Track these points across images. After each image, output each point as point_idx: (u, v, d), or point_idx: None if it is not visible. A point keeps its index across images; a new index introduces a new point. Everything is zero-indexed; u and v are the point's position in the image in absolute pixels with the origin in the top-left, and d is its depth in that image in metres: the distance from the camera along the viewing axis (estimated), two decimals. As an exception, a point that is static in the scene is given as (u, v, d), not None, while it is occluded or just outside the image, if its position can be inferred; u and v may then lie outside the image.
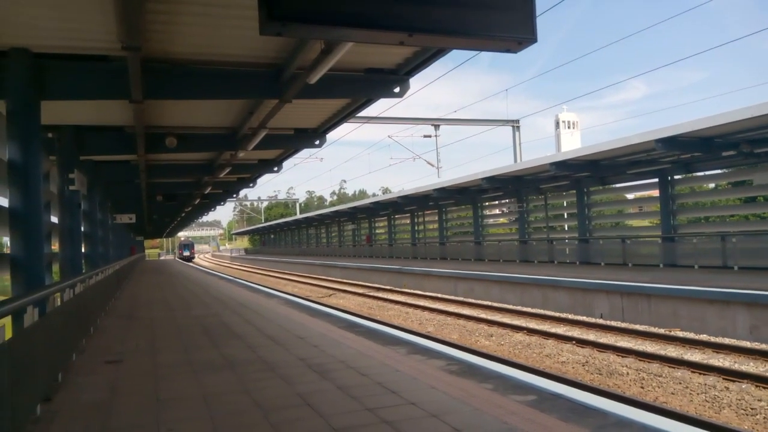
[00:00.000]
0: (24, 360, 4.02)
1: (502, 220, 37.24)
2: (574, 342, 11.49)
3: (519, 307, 16.42)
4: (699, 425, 4.73)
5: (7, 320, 4.43)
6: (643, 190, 22.72)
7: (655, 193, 19.94)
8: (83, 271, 11.23)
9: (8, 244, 7.35)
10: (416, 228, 36.41)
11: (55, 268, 11.38)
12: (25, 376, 3.97)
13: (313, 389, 4.96)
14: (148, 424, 4.19)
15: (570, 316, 14.29)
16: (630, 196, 25.96)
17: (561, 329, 12.99)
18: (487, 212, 30.20)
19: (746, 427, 6.56)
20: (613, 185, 21.48)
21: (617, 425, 4.05)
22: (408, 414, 4.21)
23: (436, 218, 33.24)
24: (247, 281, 26.56)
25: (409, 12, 3.12)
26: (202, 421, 4.21)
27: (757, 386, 7.92)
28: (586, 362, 10.04)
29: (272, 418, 4.21)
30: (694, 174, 18.38)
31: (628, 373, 9.15)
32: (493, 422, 3.99)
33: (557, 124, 50.54)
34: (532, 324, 13.77)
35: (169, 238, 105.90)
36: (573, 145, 39.55)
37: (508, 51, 3.48)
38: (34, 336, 4.48)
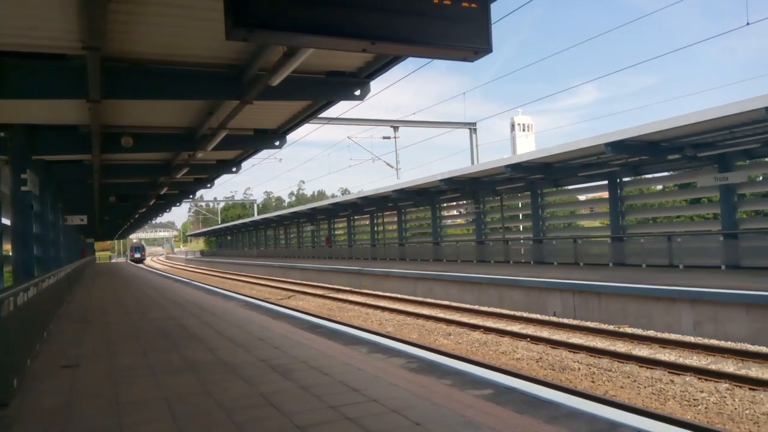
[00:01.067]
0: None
1: (459, 221, 37.79)
2: (528, 339, 11.84)
3: (477, 306, 16.76)
4: (644, 415, 5.02)
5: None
6: (594, 192, 23.51)
7: (605, 194, 20.68)
8: (35, 274, 10.91)
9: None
10: (376, 229, 36.58)
11: (8, 270, 11.04)
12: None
13: (275, 389, 5.02)
14: (111, 426, 4.18)
15: (525, 315, 14.69)
16: (582, 197, 26.80)
17: (516, 327, 13.35)
18: (445, 213, 30.62)
19: (689, 417, 6.94)
20: (566, 187, 22.16)
21: (568, 416, 4.28)
22: (370, 410, 4.33)
23: (396, 219, 33.49)
24: (203, 284, 26.17)
25: (372, 21, 3.25)
26: (166, 422, 4.23)
27: (699, 379, 8.37)
28: (540, 358, 10.37)
29: (236, 417, 4.26)
30: (643, 176, 19.13)
31: (579, 368, 9.51)
32: (451, 415, 4.15)
33: (512, 126, 51.53)
34: (489, 322, 14.10)
35: (121, 240, 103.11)
36: (528, 147, 40.42)
37: (465, 60, 3.66)
38: (-11, 340, 4.40)
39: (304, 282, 30.61)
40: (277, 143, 12.51)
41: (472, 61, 3.69)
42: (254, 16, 3.02)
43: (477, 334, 12.92)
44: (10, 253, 11.13)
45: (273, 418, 4.21)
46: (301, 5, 3.06)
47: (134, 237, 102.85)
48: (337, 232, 43.33)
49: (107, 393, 5.14)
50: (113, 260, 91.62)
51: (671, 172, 19.80)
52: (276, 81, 6.45)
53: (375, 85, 8.48)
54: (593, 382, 8.82)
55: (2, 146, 10.57)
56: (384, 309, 17.88)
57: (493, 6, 5.17)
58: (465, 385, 5.17)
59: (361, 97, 8.41)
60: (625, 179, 19.28)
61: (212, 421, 4.20)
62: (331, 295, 23.16)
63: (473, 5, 3.34)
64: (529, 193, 22.96)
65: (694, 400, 7.59)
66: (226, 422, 4.16)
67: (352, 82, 8.35)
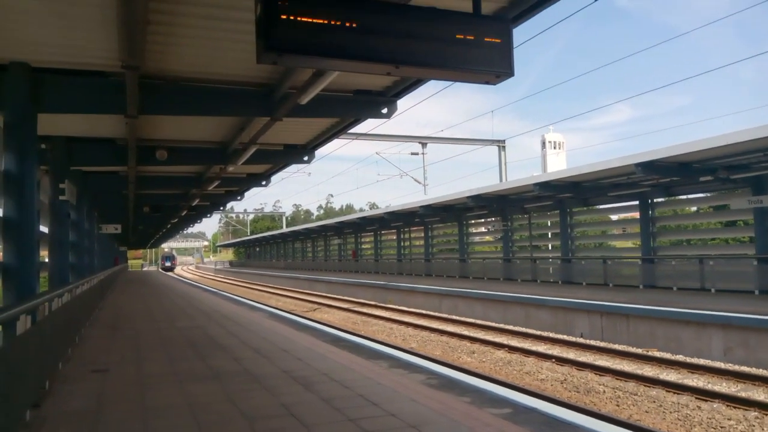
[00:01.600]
0: (16, 366, 4.15)
1: (487, 237, 37.59)
2: (553, 360, 11.71)
3: (502, 325, 16.64)
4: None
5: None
6: (625, 212, 23.17)
7: (637, 215, 20.37)
8: (70, 280, 11.28)
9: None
10: (402, 244, 36.62)
11: (43, 276, 11.42)
12: (16, 382, 4.10)
13: (297, 400, 5.12)
14: (136, 430, 4.33)
15: (551, 335, 14.53)
16: (614, 217, 26.40)
17: (542, 347, 13.21)
18: (472, 230, 30.50)
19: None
20: (596, 206, 21.91)
21: (586, 438, 4.26)
22: (388, 424, 4.38)
23: (422, 235, 33.48)
24: (231, 294, 26.52)
25: (397, 46, 3.38)
26: (189, 428, 4.35)
27: (728, 406, 8.18)
28: (565, 380, 10.25)
29: (257, 426, 4.36)
30: (678, 197, 18.79)
31: (604, 391, 9.38)
32: (469, 433, 4.17)
33: (543, 144, 51.14)
34: (514, 342, 13.99)
35: (153, 249, 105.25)
36: (559, 165, 40.06)
37: (487, 83, 3.74)
38: (25, 343, 4.61)
39: (329, 295, 30.77)
40: (305, 158, 12.74)
41: (494, 84, 3.78)
42: (283, 41, 3.16)
43: (501, 353, 12.83)
44: (47, 260, 11.53)
45: (293, 429, 4.30)
46: (328, 31, 3.19)
47: (166, 246, 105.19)
48: (363, 246, 43.48)
49: (134, 398, 5.31)
50: (145, 268, 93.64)
51: (706, 194, 19.43)
52: (305, 100, 6.64)
53: (404, 101, 8.61)
54: (618, 405, 8.69)
55: (43, 157, 11.02)
56: (408, 324, 17.88)
57: (523, 25, 5.27)
58: (484, 403, 5.17)
59: (388, 116, 8.55)
60: (657, 200, 18.99)
61: (234, 429, 4.31)
62: (356, 308, 23.24)
63: (496, 40, 3.44)
64: (558, 211, 22.76)
65: (721, 427, 7.42)
66: (247, 431, 4.26)
67: (379, 101, 8.51)
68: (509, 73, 3.62)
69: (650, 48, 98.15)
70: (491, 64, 3.57)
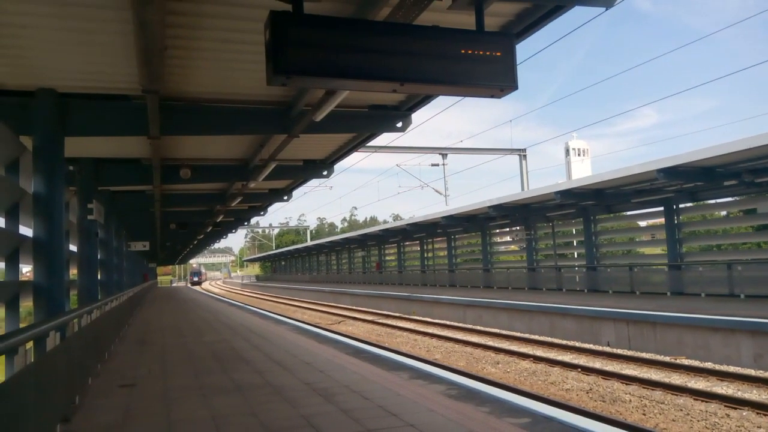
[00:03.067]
0: (46, 381, 4.31)
1: (512, 247, 37.33)
2: (579, 370, 11.59)
3: (527, 335, 16.50)
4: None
5: (29, 343, 4.75)
6: (650, 218, 22.82)
7: (663, 221, 20.08)
8: (99, 297, 11.58)
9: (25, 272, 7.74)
10: (425, 255, 36.59)
11: (72, 293, 11.75)
12: (47, 396, 4.26)
13: (317, 411, 5.20)
14: (161, 442, 4.46)
15: (577, 344, 14.36)
16: (643, 223, 26.00)
17: (567, 357, 13.08)
18: (496, 239, 30.36)
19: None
20: (620, 213, 21.65)
21: (604, 446, 4.25)
22: (405, 435, 4.44)
23: (445, 245, 33.43)
24: (256, 308, 26.81)
25: (401, 64, 3.48)
26: (211, 440, 4.47)
27: (757, 413, 8.01)
28: (590, 389, 10.14)
29: (277, 437, 4.45)
30: (706, 202, 18.48)
31: (630, 400, 9.25)
32: (485, 443, 4.20)
33: (567, 151, 50.74)
34: (539, 352, 13.87)
35: (181, 265, 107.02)
36: (583, 172, 39.64)
37: (492, 97, 3.82)
38: (55, 359, 4.78)
39: (354, 307, 30.85)
40: (324, 173, 12.92)
41: (498, 98, 3.86)
42: (291, 64, 3.29)
43: (526, 363, 12.73)
44: (76, 278, 11.85)
45: (312, 440, 4.38)
46: (333, 53, 3.32)
47: (194, 262, 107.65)
48: (387, 258, 43.54)
49: (160, 411, 5.45)
50: (174, 284, 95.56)
51: (735, 198, 19.07)
52: (319, 117, 6.79)
53: (424, 112, 8.71)
54: (644, 414, 8.56)
55: (71, 178, 11.38)
56: (432, 336, 17.84)
57: (543, 31, 5.33)
58: (503, 412, 5.19)
59: (402, 129, 8.66)
60: (682, 205, 18.70)
61: (254, 441, 4.41)
62: (380, 320, 23.27)
63: (497, 54, 3.52)
64: (581, 219, 22.56)
65: (750, 435, 7.27)
66: (267, 442, 4.36)
67: (393, 115, 8.63)
68: (513, 86, 3.69)
69: (675, 50, 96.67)
70: (495, 79, 3.65)
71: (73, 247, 12.73)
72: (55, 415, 4.66)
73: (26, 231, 8.62)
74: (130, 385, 6.79)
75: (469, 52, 3.53)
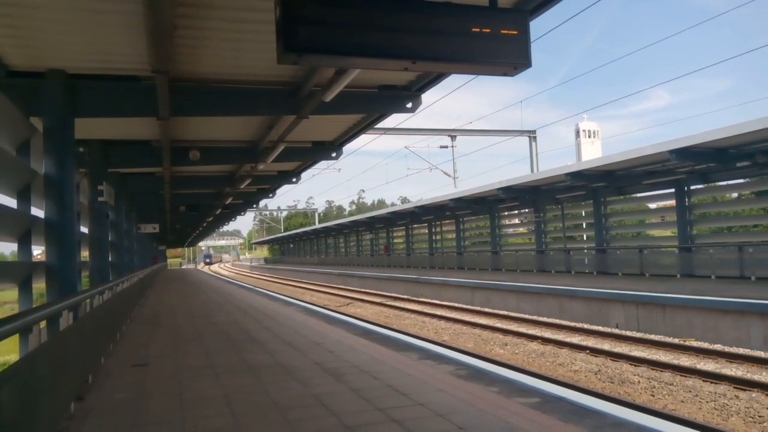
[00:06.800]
0: (60, 359, 4.37)
1: (521, 230, 37.23)
2: (588, 351, 11.60)
3: (535, 317, 16.53)
4: (694, 427, 4.91)
5: (43, 322, 4.80)
6: (661, 200, 22.65)
7: (673, 202, 19.93)
8: (110, 279, 11.68)
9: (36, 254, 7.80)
10: (434, 238, 36.59)
11: (84, 275, 11.84)
12: (61, 375, 4.32)
13: (327, 391, 5.24)
14: (175, 420, 4.52)
15: (586, 326, 14.37)
16: (653, 205, 25.86)
17: (576, 339, 13.09)
18: (504, 222, 30.28)
19: (752, 434, 6.68)
20: (631, 195, 21.50)
21: (614, 426, 4.26)
22: (416, 414, 4.47)
23: (454, 228, 33.40)
24: (266, 290, 26.98)
25: (413, 42, 3.43)
26: (225, 417, 4.52)
27: (767, 395, 8.00)
28: (599, 371, 10.16)
29: (290, 415, 4.50)
30: (717, 183, 18.30)
31: (639, 382, 9.27)
32: (496, 422, 4.23)
33: (577, 133, 50.25)
34: (548, 333, 13.90)
35: (191, 248, 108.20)
36: (594, 154, 39.38)
37: (505, 75, 3.77)
38: (68, 338, 4.84)
39: (362, 289, 30.98)
40: (333, 154, 12.89)
41: (512, 76, 3.81)
42: (302, 41, 3.25)
43: (534, 345, 12.77)
44: (88, 259, 11.95)
45: (323, 418, 4.42)
46: (344, 30, 3.27)
47: (203, 245, 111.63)
48: (395, 241, 43.59)
49: (172, 390, 5.52)
50: (183, 266, 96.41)
51: (747, 179, 18.87)
52: (329, 97, 6.74)
53: (432, 93, 8.65)
54: (653, 395, 8.58)
55: (81, 160, 11.42)
56: (441, 318, 17.91)
57: (554, 10, 5.24)
58: (512, 392, 5.21)
59: (412, 110, 8.59)
60: (693, 187, 18.53)
61: (267, 419, 4.46)
62: (388, 303, 23.37)
63: (513, 32, 3.46)
64: (591, 201, 22.42)
65: (759, 416, 7.27)
66: (280, 420, 4.40)
67: (403, 96, 8.56)
68: (527, 64, 3.64)
69: (689, 29, 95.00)
70: (509, 57, 3.60)
71: (84, 229, 12.81)
72: (69, 393, 4.72)
73: (38, 213, 8.68)
74: (142, 365, 6.87)
75: (482, 29, 3.48)
